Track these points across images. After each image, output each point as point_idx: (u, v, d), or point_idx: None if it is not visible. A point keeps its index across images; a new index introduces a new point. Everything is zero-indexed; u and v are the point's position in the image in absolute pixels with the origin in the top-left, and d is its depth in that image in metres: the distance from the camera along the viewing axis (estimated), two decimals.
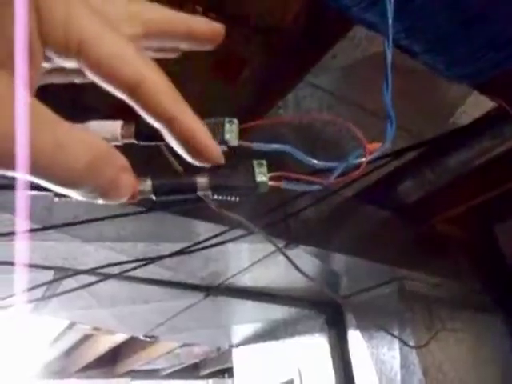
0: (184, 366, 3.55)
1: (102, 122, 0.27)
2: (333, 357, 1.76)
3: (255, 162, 0.26)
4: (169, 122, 0.21)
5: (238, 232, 1.15)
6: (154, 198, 0.24)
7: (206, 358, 3.39)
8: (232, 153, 0.27)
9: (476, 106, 1.25)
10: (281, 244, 1.28)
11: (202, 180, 0.25)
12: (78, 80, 0.25)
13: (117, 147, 0.24)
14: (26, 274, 1.35)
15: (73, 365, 3.53)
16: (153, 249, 1.26)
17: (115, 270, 1.22)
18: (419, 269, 1.67)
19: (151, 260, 1.18)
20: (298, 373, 1.88)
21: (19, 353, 2.61)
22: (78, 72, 0.25)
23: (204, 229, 1.20)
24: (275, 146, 0.28)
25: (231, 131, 0.26)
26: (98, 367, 3.53)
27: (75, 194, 0.19)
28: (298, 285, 1.68)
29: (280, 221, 1.21)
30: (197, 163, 0.23)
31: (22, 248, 1.09)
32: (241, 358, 2.27)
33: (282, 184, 0.26)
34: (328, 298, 1.81)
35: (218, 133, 0.26)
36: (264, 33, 1.05)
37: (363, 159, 0.29)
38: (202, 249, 1.20)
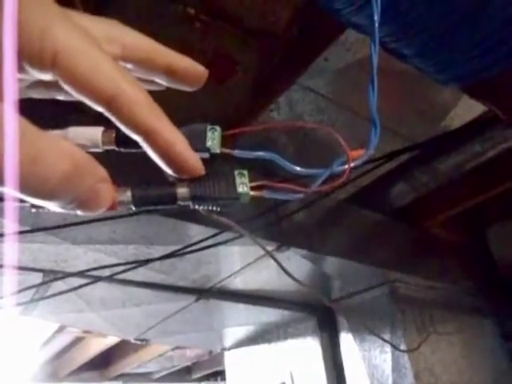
0: (176, 369, 3.54)
1: (82, 129, 0.27)
2: (325, 360, 1.75)
3: (236, 173, 0.25)
4: (147, 135, 0.21)
5: (229, 235, 1.15)
6: (133, 208, 0.24)
7: (198, 361, 3.37)
8: (215, 159, 0.27)
9: (468, 109, 1.25)
10: (272, 247, 1.28)
11: (182, 190, 0.24)
12: (59, 96, 0.25)
13: (98, 154, 0.24)
14: (15, 277, 1.33)
15: (64, 368, 3.50)
16: (143, 251, 1.25)
17: (105, 272, 1.21)
18: (411, 272, 1.67)
19: (142, 263, 1.17)
20: (290, 376, 1.88)
21: (9, 356, 2.57)
22: (58, 87, 0.24)
23: (195, 231, 1.19)
24: (258, 154, 0.27)
25: (213, 138, 0.26)
26: (89, 370, 3.49)
27: (52, 206, 0.18)
28: (289, 288, 1.68)
29: (272, 223, 1.21)
30: (176, 175, 0.23)
31: (10, 250, 1.08)
32: (233, 361, 2.26)
33: (264, 193, 0.26)
34: (320, 301, 1.81)
35: (199, 140, 0.26)
36: (256, 35, 1.05)
37: (346, 166, 0.29)
38: (193, 251, 1.19)
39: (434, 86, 1.23)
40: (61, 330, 2.68)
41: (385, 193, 1.68)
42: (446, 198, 1.68)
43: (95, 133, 0.26)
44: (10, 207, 0.21)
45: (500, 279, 1.96)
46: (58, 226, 0.99)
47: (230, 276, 1.53)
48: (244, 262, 1.46)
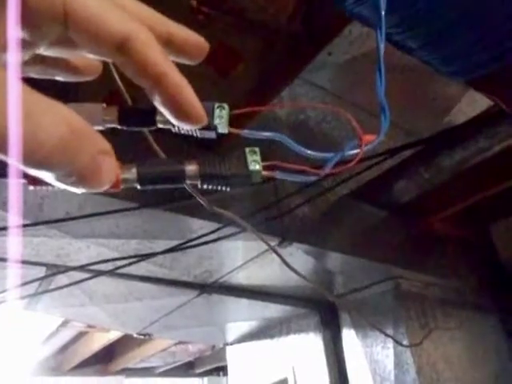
0: (179, 363, 3.55)
1: (82, 104, 0.25)
2: (327, 355, 1.75)
3: (247, 150, 0.24)
4: (158, 78, 0.20)
5: (231, 229, 1.15)
6: (138, 186, 0.22)
7: (200, 356, 3.38)
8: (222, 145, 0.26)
9: (472, 104, 1.24)
10: (275, 242, 1.28)
11: (190, 168, 0.23)
12: (57, 76, 0.24)
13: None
14: (18, 270, 1.34)
15: (67, 362, 3.52)
16: (146, 246, 1.25)
17: (108, 267, 1.21)
18: (414, 268, 1.67)
19: (144, 257, 1.17)
20: (292, 371, 1.88)
21: (13, 350, 2.59)
22: (57, 65, 0.24)
23: (198, 226, 1.19)
24: (267, 134, 0.26)
25: (221, 117, 0.25)
26: (92, 365, 3.51)
27: (50, 177, 0.17)
28: (292, 283, 1.68)
29: (274, 218, 1.20)
30: (182, 124, 0.22)
31: (13, 244, 1.08)
32: (235, 356, 2.26)
33: (276, 174, 0.25)
34: (323, 297, 1.81)
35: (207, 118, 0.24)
36: (259, 27, 1.04)
37: (358, 150, 0.28)
38: (195, 246, 1.19)
39: (438, 81, 1.22)
40: (64, 324, 2.70)
41: (388, 189, 1.67)
42: (450, 194, 1.67)
43: (96, 109, 0.25)
44: (14, 184, 0.20)
45: (503, 275, 1.95)
46: (61, 220, 0.99)
47: (232, 271, 1.53)
48: (246, 257, 1.46)
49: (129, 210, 0.98)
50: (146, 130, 0.26)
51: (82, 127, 0.17)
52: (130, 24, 0.20)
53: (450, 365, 1.61)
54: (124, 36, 0.19)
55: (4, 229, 1.02)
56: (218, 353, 2.95)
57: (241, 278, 1.60)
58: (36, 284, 1.32)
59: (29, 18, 0.18)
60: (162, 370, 3.72)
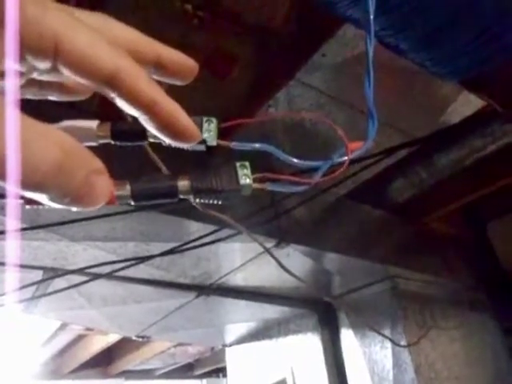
0: (178, 365, 3.55)
1: (76, 122, 0.26)
2: (325, 356, 1.76)
3: (238, 164, 0.25)
4: (150, 107, 0.21)
5: (228, 231, 1.15)
6: (132, 203, 0.23)
7: (200, 358, 3.38)
8: (213, 153, 0.27)
9: (467, 104, 1.25)
10: (272, 243, 1.28)
11: (183, 183, 0.24)
12: (52, 96, 0.25)
13: (93, 148, 0.24)
14: (16, 274, 1.34)
15: (67, 365, 3.51)
16: (143, 248, 1.25)
17: (105, 269, 1.21)
18: (411, 267, 1.67)
19: (141, 259, 1.18)
20: (291, 372, 1.88)
21: (13, 353, 2.59)
22: (51, 86, 0.24)
23: (195, 228, 1.20)
24: (255, 146, 0.27)
25: (209, 130, 0.26)
26: (91, 367, 3.51)
27: (45, 199, 0.17)
28: (290, 284, 1.68)
29: (271, 220, 1.20)
30: (177, 144, 0.23)
31: (11, 248, 1.08)
32: (234, 358, 2.26)
33: (267, 185, 0.25)
34: (321, 297, 1.81)
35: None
36: (254, 31, 1.05)
37: (346, 158, 0.28)
38: (193, 248, 1.19)
39: (433, 81, 1.22)
40: (63, 327, 2.69)
41: (384, 188, 1.68)
42: (446, 193, 1.68)
43: (90, 126, 0.26)
44: (12, 205, 0.21)
45: (500, 274, 1.96)
46: (57, 224, 0.99)
47: (230, 273, 1.53)
48: (244, 259, 1.46)
49: (125, 212, 0.98)
50: (139, 143, 0.27)
51: (74, 148, 0.17)
52: (119, 60, 0.20)
53: (448, 364, 1.62)
54: (112, 71, 0.20)
55: (2, 233, 1.02)
56: (218, 354, 2.94)
57: (239, 279, 1.60)
58: (33, 287, 1.32)
59: (19, 52, 0.18)
60: (161, 372, 3.71)
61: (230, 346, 2.27)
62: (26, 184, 0.16)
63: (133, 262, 1.17)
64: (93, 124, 0.26)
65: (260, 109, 1.18)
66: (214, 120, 0.26)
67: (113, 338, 2.87)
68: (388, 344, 1.60)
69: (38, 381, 3.45)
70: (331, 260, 1.54)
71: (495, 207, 1.97)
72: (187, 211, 1.15)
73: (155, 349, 3.04)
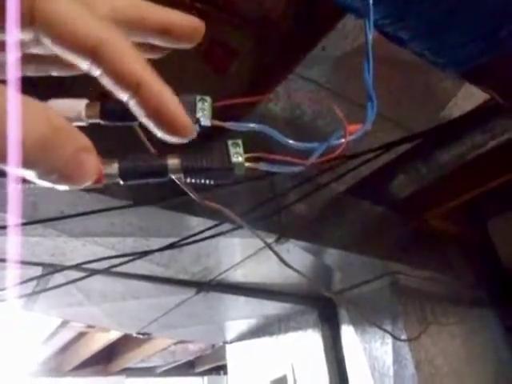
0: (179, 363, 3.55)
1: (64, 101, 0.25)
2: (326, 352, 1.75)
3: (230, 142, 0.24)
4: (136, 88, 0.19)
5: (228, 226, 1.14)
6: (121, 182, 0.22)
7: (201, 355, 3.38)
8: (207, 134, 0.26)
9: (467, 98, 1.24)
10: (272, 239, 1.27)
11: (173, 162, 0.23)
12: (53, 72, 0.24)
13: (83, 128, 0.23)
14: (15, 270, 1.33)
15: (67, 363, 3.52)
16: (142, 244, 1.25)
17: (104, 265, 1.21)
18: (412, 263, 1.66)
19: (140, 255, 1.17)
20: (292, 368, 1.88)
21: (13, 351, 2.59)
22: (50, 60, 0.23)
23: (194, 223, 1.19)
24: (250, 126, 0.26)
25: (203, 109, 0.25)
26: (92, 365, 3.51)
27: (32, 175, 0.17)
28: (290, 280, 1.68)
29: (271, 215, 1.20)
30: (168, 138, 0.21)
31: (9, 243, 1.08)
32: (235, 355, 2.26)
33: (260, 165, 0.25)
34: (321, 294, 1.80)
35: (189, 111, 0.24)
36: (253, 24, 1.04)
37: (343, 140, 0.28)
38: (192, 243, 1.19)
39: (433, 75, 1.22)
40: (64, 325, 2.69)
41: (385, 184, 1.67)
42: (447, 190, 1.67)
43: (78, 105, 0.25)
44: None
45: (501, 270, 1.95)
46: (56, 218, 0.99)
47: (229, 268, 1.52)
48: (244, 255, 1.46)
49: (124, 207, 0.98)
50: (129, 124, 0.25)
51: (61, 124, 0.17)
52: (102, 31, 0.19)
53: (449, 360, 1.61)
54: (94, 44, 0.18)
55: (0, 228, 1.01)
56: (218, 351, 2.94)
57: (239, 275, 1.59)
58: (33, 284, 1.32)
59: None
60: (162, 369, 3.72)
61: (231, 342, 2.27)
62: (12, 159, 0.16)
63: (132, 257, 1.16)
64: (81, 103, 0.25)
65: (259, 102, 1.17)
66: (208, 99, 0.25)
67: (113, 335, 2.87)
68: (388, 340, 1.59)
69: (38, 378, 3.45)
70: (331, 256, 1.53)
71: (496, 204, 1.96)
72: (186, 206, 1.14)
73: (156, 346, 3.04)
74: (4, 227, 0.99)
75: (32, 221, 1.02)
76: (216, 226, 1.15)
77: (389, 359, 1.61)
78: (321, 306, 1.82)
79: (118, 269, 1.23)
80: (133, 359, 3.40)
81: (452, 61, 0.68)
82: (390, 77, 1.16)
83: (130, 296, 1.58)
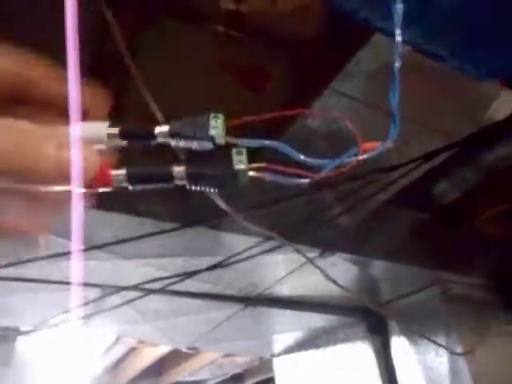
0: (228, 376, 3.57)
1: (86, 124, 0.26)
2: (378, 364, 1.72)
3: (234, 150, 0.25)
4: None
5: (273, 243, 1.17)
6: (129, 187, 0.24)
7: (249, 368, 3.39)
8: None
9: (509, 101, 1.21)
10: (315, 253, 1.28)
11: (177, 169, 0.24)
12: None
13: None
14: (75, 293, 1.42)
15: (120, 378, 3.62)
16: (191, 263, 1.29)
17: (157, 285, 1.27)
18: (462, 271, 1.62)
19: (190, 274, 1.22)
20: (342, 381, 1.86)
21: (71, 367, 2.71)
22: None
23: (240, 241, 1.22)
24: (264, 142, 0.27)
25: (216, 127, 0.25)
26: (144, 379, 3.60)
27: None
28: (337, 293, 1.67)
29: (314, 230, 1.21)
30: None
31: (71, 268, 1.15)
32: (282, 368, 2.26)
33: (266, 176, 0.26)
34: (367, 305, 1.78)
35: (203, 129, 0.25)
36: (286, 45, 1.07)
37: (358, 157, 0.28)
38: (238, 261, 1.22)
39: (472, 80, 1.19)
40: (117, 340, 2.79)
41: (429, 191, 1.64)
42: (494, 194, 1.61)
43: (100, 127, 0.26)
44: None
45: None
46: (112, 243, 1.05)
47: (275, 283, 1.54)
48: (289, 269, 1.47)
49: (174, 230, 1.03)
50: (150, 142, 0.27)
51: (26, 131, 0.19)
52: None
53: (507, 371, 1.54)
54: None
55: (62, 254, 1.09)
56: (267, 364, 2.94)
57: (285, 289, 1.61)
58: (92, 304, 1.40)
59: None
60: (211, 382, 3.75)
61: (278, 356, 2.28)
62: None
63: (183, 277, 1.21)
64: (103, 126, 0.26)
65: (295, 121, 1.19)
66: (221, 116, 0.26)
67: (163, 350, 2.94)
68: (443, 351, 1.55)
69: None
70: (377, 267, 1.52)
71: None
72: (232, 225, 1.18)
73: (203, 360, 3.08)
74: (67, 253, 1.07)
75: (91, 246, 1.09)
76: (261, 243, 1.18)
77: (444, 371, 1.56)
78: (370, 317, 1.80)
79: (170, 287, 1.28)
80: (181, 373, 3.45)
81: (493, 72, 0.68)
82: (426, 83, 1.15)
83: (180, 313, 1.63)
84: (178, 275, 1.22)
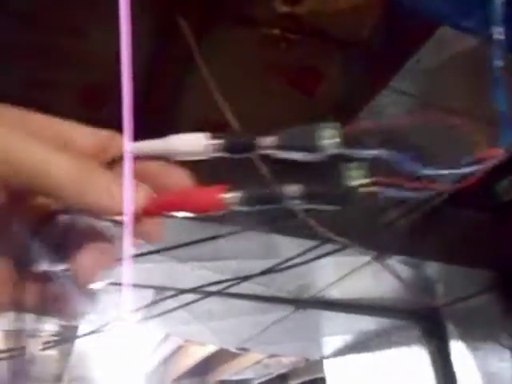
0: (273, 376, 3.58)
1: (185, 136, 0.25)
2: (434, 369, 1.67)
3: (347, 166, 0.24)
4: None
5: (329, 247, 1.15)
6: (240, 208, 0.24)
7: (295, 369, 3.38)
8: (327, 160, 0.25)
9: None
10: (372, 256, 1.26)
11: (291, 188, 0.24)
12: None
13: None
14: (132, 294, 1.47)
15: (168, 375, 3.72)
16: (245, 266, 1.30)
17: (213, 287, 1.28)
18: None
19: (246, 278, 1.22)
20: None
21: (126, 364, 2.82)
22: None
23: (294, 245, 1.22)
24: (378, 153, 0.25)
25: (331, 137, 0.24)
26: (191, 377, 3.68)
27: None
28: (388, 295, 1.63)
29: (371, 233, 1.19)
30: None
31: (127, 270, 1.19)
32: (333, 370, 2.24)
33: (380, 190, 0.24)
34: (422, 308, 1.73)
35: (313, 139, 0.24)
36: (342, 45, 1.05)
37: (478, 167, 0.26)
38: (293, 266, 1.21)
39: None
40: (166, 338, 2.87)
41: (488, 190, 1.56)
42: None
43: (200, 140, 0.25)
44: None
45: None
46: (172, 247, 1.07)
47: (327, 286, 1.53)
48: (341, 272, 1.45)
49: (233, 233, 1.03)
50: (254, 155, 0.26)
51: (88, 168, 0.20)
52: None
53: None
54: None
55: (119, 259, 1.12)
56: (313, 365, 2.92)
57: (336, 292, 1.59)
58: (147, 306, 1.44)
59: None
60: (256, 382, 3.77)
61: (328, 358, 2.25)
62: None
63: (238, 280, 1.22)
64: (203, 138, 0.25)
65: (351, 121, 1.17)
66: (336, 125, 0.25)
67: (210, 348, 2.99)
68: (507, 355, 1.47)
69: None
70: (435, 269, 1.47)
71: None
72: (286, 229, 1.17)
73: (250, 359, 3.10)
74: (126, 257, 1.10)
75: (151, 251, 1.11)
76: (316, 247, 1.17)
77: (508, 376, 1.48)
78: (424, 320, 1.74)
79: (225, 290, 1.30)
80: (227, 372, 3.50)
81: None
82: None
83: (232, 314, 1.65)
84: (234, 279, 1.23)
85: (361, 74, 1.10)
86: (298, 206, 0.24)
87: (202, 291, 1.28)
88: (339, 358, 2.18)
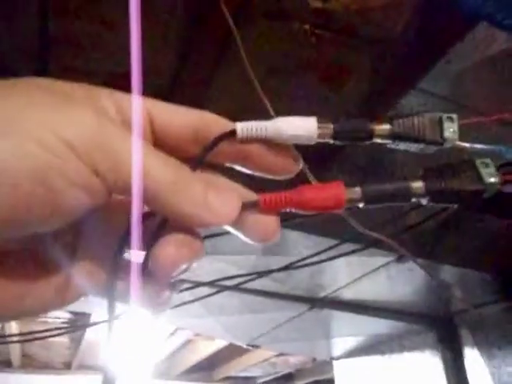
0: (279, 375, 3.58)
1: (293, 119, 0.24)
2: (447, 377, 1.64)
3: (478, 161, 0.23)
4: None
5: (350, 246, 1.14)
6: (361, 205, 0.23)
7: (301, 369, 3.37)
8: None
9: None
10: (392, 257, 1.24)
11: (416, 185, 0.22)
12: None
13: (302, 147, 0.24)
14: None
15: (175, 368, 3.75)
16: (263, 262, 1.30)
17: (228, 282, 1.28)
18: None
19: (264, 273, 1.22)
20: None
21: (135, 356, 2.84)
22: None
23: (313, 242, 1.21)
24: (492, 148, 0.25)
25: (452, 128, 0.24)
26: (198, 371, 3.70)
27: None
28: (404, 298, 1.62)
29: (393, 235, 1.17)
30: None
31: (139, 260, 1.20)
32: (342, 371, 2.22)
33: (507, 187, 0.23)
34: (438, 313, 1.71)
35: (434, 130, 0.24)
36: (372, 42, 1.04)
37: None
38: (310, 264, 1.21)
39: None
40: (174, 332, 2.89)
41: (506, 196, 1.53)
42: None
43: (310, 124, 0.23)
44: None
45: None
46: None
47: (343, 286, 1.52)
48: (358, 273, 1.44)
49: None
50: (359, 143, 0.25)
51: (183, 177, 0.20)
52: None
53: None
54: None
55: None
56: (320, 366, 2.92)
57: (351, 292, 1.58)
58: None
59: None
60: (262, 380, 3.78)
61: (338, 359, 2.24)
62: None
63: (254, 276, 1.22)
64: (312, 122, 0.23)
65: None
66: (456, 117, 0.24)
67: (219, 344, 3.00)
68: None
69: (151, 380, 3.72)
70: (453, 274, 1.45)
71: None
72: (306, 226, 1.17)
73: (257, 357, 3.11)
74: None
75: None
76: (337, 245, 1.16)
77: None
78: (439, 326, 1.72)
79: (241, 285, 1.30)
80: (234, 368, 3.51)
81: None
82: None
83: (245, 310, 1.65)
84: (251, 274, 1.23)
85: (390, 73, 1.09)
86: (425, 203, 0.23)
87: (218, 285, 1.28)
88: (349, 360, 2.16)
